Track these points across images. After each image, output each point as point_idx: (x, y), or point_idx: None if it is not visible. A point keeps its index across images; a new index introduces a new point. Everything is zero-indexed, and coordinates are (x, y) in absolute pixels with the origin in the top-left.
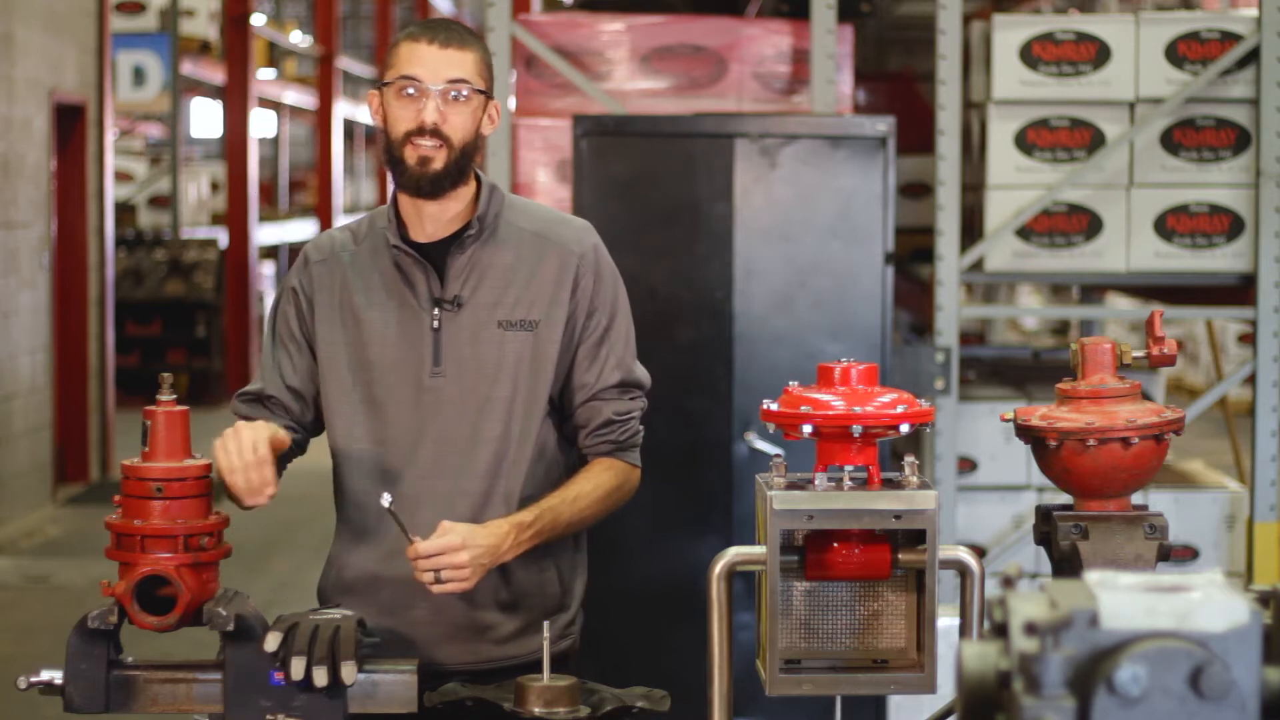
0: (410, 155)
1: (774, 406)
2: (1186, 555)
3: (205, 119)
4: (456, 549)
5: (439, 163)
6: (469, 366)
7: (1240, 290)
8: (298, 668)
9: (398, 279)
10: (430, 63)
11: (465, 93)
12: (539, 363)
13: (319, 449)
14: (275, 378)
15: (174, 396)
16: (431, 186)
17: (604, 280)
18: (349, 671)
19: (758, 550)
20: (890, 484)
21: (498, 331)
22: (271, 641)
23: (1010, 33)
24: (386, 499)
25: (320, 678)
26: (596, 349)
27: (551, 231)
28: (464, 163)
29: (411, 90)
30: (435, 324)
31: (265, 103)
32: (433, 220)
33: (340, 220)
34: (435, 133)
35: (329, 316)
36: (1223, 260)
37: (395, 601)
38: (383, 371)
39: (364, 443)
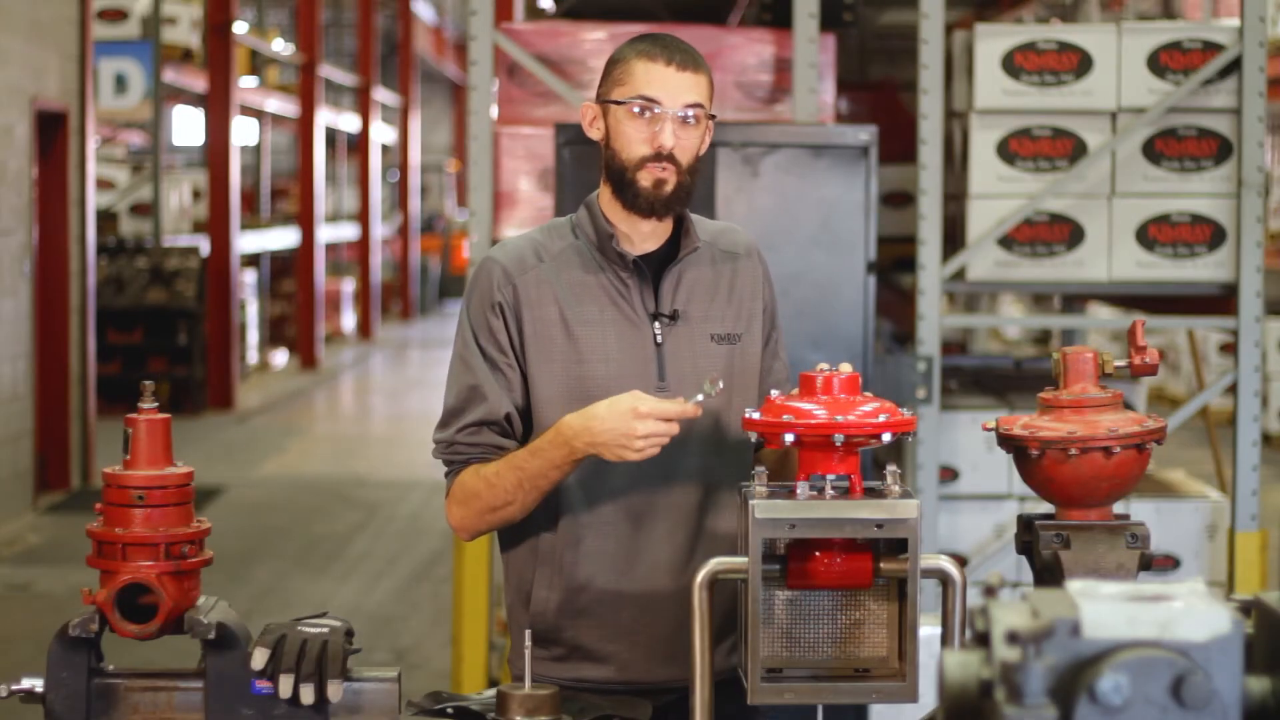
0: (644, 179)
1: (756, 415)
2: (1168, 565)
3: (187, 127)
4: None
5: (670, 185)
6: (690, 380)
7: (1222, 300)
8: (285, 686)
9: (613, 292)
10: (670, 86)
11: (698, 115)
12: (747, 375)
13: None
14: (504, 397)
15: (155, 404)
16: (665, 208)
17: (774, 288)
18: (335, 690)
19: (739, 560)
20: (872, 493)
21: (712, 345)
22: (259, 659)
23: (992, 42)
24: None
25: (307, 696)
26: (773, 360)
27: (730, 244)
28: (690, 184)
29: (647, 113)
30: (658, 338)
31: (247, 110)
32: (643, 236)
33: (323, 228)
34: (670, 157)
35: (539, 331)
36: (1204, 270)
37: (636, 621)
38: (604, 386)
39: (585, 460)
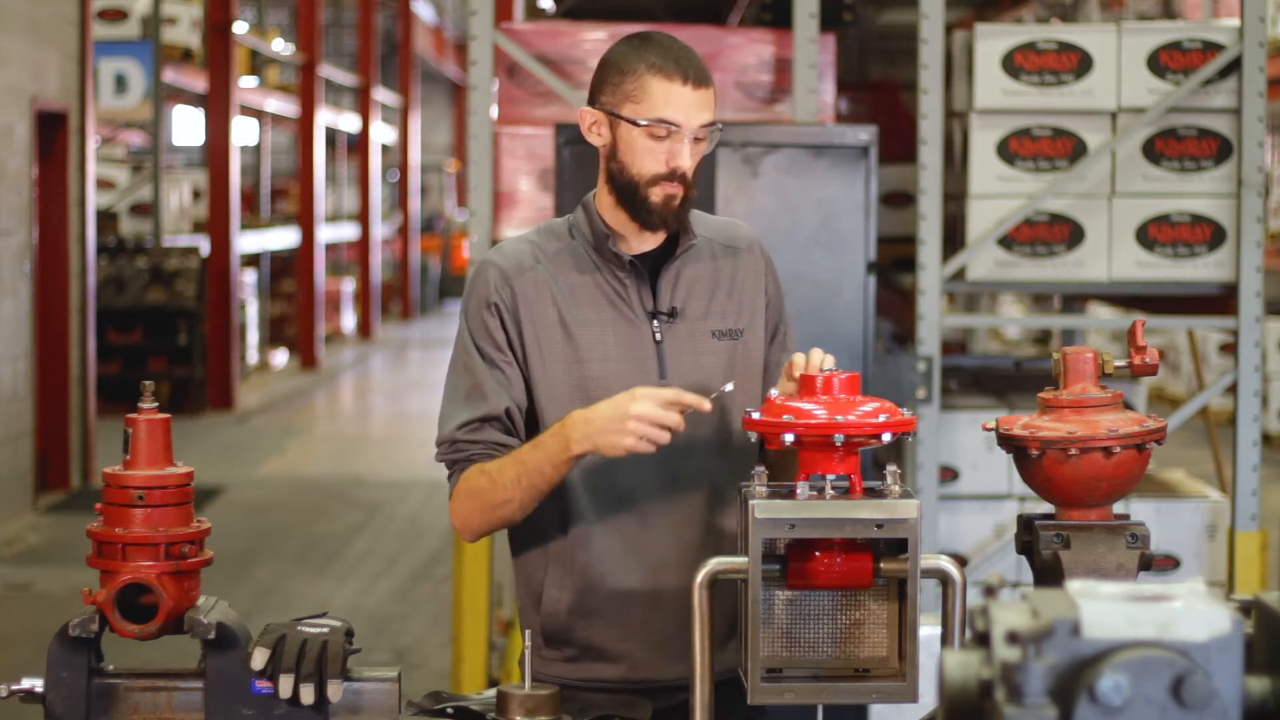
0: (656, 195)
1: (756, 415)
2: (1168, 565)
3: (187, 127)
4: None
5: (679, 199)
6: (691, 377)
7: (1222, 300)
8: (285, 686)
9: (610, 292)
10: (686, 106)
11: (710, 132)
12: (749, 371)
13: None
14: (503, 394)
15: (155, 404)
16: (675, 221)
17: (779, 282)
18: (335, 690)
19: (739, 560)
20: (872, 493)
21: (713, 341)
22: (259, 659)
23: (992, 42)
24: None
25: (307, 696)
26: (783, 354)
27: (730, 238)
28: (695, 192)
29: (664, 134)
30: (657, 336)
31: (247, 110)
32: (641, 237)
33: (323, 228)
34: (681, 175)
35: (537, 332)
36: (1204, 270)
37: (646, 620)
38: (604, 386)
39: (590, 459)
